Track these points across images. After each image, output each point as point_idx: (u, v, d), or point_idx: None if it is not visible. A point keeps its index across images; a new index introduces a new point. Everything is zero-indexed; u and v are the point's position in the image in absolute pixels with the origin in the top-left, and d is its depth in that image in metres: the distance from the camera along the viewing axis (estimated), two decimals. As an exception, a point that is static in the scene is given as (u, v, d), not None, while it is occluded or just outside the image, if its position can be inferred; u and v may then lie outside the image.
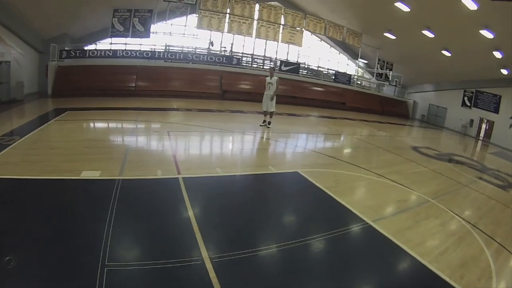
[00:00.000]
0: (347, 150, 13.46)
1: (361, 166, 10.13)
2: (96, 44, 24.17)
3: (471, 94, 26.67)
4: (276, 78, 14.38)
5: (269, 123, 14.45)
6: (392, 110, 29.48)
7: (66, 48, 20.36)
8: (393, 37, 24.70)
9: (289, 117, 19.33)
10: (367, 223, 6.11)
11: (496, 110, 24.95)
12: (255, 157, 10.77)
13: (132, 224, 5.32)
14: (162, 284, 3.97)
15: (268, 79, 14.45)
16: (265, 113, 14.64)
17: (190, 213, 5.71)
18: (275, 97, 14.24)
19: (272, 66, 16.67)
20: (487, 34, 17.59)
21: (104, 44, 24.07)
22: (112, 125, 13.38)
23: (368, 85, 32.89)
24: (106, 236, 4.67)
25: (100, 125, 13.23)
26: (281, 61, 27.27)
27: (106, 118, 14.18)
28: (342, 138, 16.19)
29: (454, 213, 7.52)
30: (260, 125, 14.44)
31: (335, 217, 6.47)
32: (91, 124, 12.98)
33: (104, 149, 9.42)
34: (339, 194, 7.37)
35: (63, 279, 3.81)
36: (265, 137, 13.02)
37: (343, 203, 6.93)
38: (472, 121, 26.87)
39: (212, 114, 17.70)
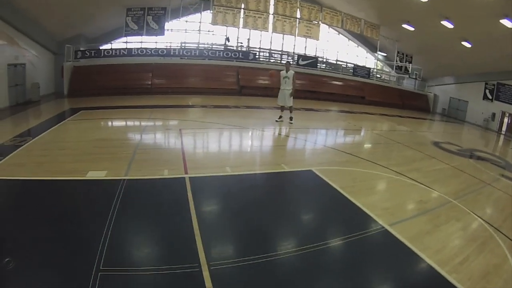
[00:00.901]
0: (365, 146, 13.14)
1: (379, 163, 9.79)
2: (111, 43, 24.35)
3: (493, 87, 25.75)
4: (293, 72, 14.36)
5: (291, 118, 14.35)
6: (412, 104, 28.82)
7: (81, 49, 20.63)
8: (412, 29, 24.17)
9: (307, 112, 19.10)
10: (383, 227, 5.75)
11: (519, 104, 24.15)
12: (268, 154, 10.61)
13: (132, 227, 5.22)
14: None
15: (283, 73, 14.30)
16: (282, 108, 14.57)
17: (193, 216, 5.56)
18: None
19: (288, 60, 15.43)
20: (507, 23, 17.03)
21: (119, 43, 24.36)
22: (124, 123, 13.38)
23: (388, 78, 32.39)
24: (104, 239, 4.62)
25: (112, 123, 13.24)
26: (299, 56, 26.89)
27: (119, 117, 14.15)
28: (361, 134, 15.84)
29: (477, 215, 7.07)
30: (276, 121, 14.25)
31: (348, 221, 6.15)
32: (104, 123, 13.02)
33: (113, 149, 9.38)
34: (355, 195, 7.06)
35: (55, 284, 3.78)
36: (280, 133, 12.82)
37: (358, 204, 6.62)
38: (494, 114, 25.96)
39: (228, 110, 17.62)
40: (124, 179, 6.91)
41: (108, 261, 4.18)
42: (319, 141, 12.80)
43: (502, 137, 23.86)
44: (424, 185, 8.44)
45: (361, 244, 5.28)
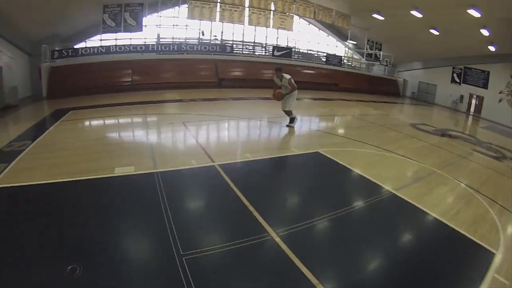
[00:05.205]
0: (353, 130, 13.87)
1: (370, 143, 10.94)
2: (85, 42, 24.16)
3: (460, 71, 27.43)
4: (288, 77, 12.15)
5: (291, 120, 12.63)
6: (383, 89, 30.05)
7: (57, 48, 20.18)
8: (382, 18, 25.06)
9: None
10: (392, 192, 7.07)
11: (485, 86, 25.76)
12: (274, 140, 11.36)
13: (189, 212, 5.71)
14: (242, 262, 4.41)
15: (277, 81, 12.33)
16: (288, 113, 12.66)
17: (240, 195, 6.16)
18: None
19: (279, 67, 12.70)
20: (474, 13, 18.07)
21: (93, 41, 23.96)
22: (122, 120, 13.25)
23: (359, 66, 33.42)
24: (170, 228, 4.90)
25: (109, 121, 13.01)
26: (274, 47, 27.73)
27: (113, 114, 13.99)
28: (345, 119, 16.85)
29: (459, 181, 8.53)
30: (287, 126, 12.49)
31: (364, 188, 7.38)
32: (101, 122, 12.88)
33: (125, 145, 9.52)
34: (361, 169, 8.26)
35: (148, 278, 3.97)
36: (277, 122, 13.28)
37: (367, 176, 7.84)
38: (462, 97, 27.70)
39: (217, 102, 17.97)
40: (157, 172, 7.07)
41: (185, 246, 4.48)
42: (313, 127, 13.62)
43: (470, 117, 25.67)
44: (412, 159, 9.78)
45: (380, 205, 6.58)
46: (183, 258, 4.25)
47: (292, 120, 12.49)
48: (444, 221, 5.99)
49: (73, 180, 6.56)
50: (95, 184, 6.49)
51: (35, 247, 4.37)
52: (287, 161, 8.95)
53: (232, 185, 6.64)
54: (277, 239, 4.86)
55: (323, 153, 9.27)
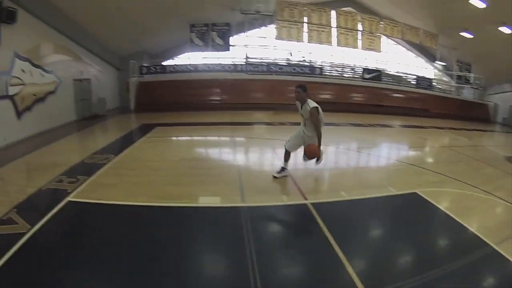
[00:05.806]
0: (448, 164, 12.76)
1: (468, 182, 10.03)
2: (173, 59, 25.23)
3: (552, 94, 25.13)
4: (310, 107, 8.42)
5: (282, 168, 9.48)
6: (473, 114, 28.38)
7: (145, 64, 21.51)
8: (470, 36, 24.12)
9: (379, 128, 19.42)
10: (492, 246, 6.21)
11: None
12: (367, 174, 10.74)
13: (277, 261, 5.16)
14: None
15: (298, 104, 8.89)
16: (287, 156, 9.43)
17: (334, 245, 5.56)
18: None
19: (302, 84, 9.05)
20: None
21: (181, 59, 25.11)
22: (209, 142, 13.38)
23: (448, 89, 31.87)
24: (254, 277, 4.50)
25: (196, 142, 13.18)
26: (364, 69, 27.31)
27: (201, 135, 14.17)
28: (438, 150, 16.03)
29: None
30: (275, 176, 9.26)
31: (466, 241, 6.62)
32: (187, 141, 13.09)
33: (211, 171, 9.38)
34: (461, 216, 7.37)
35: None
36: (368, 152, 12.88)
37: (467, 226, 7.00)
38: (553, 124, 25.21)
39: None
40: (245, 207, 6.86)
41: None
42: (404, 160, 12.84)
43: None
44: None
45: (482, 264, 5.81)
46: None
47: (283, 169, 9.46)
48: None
49: (152, 206, 6.58)
50: (175, 213, 6.48)
51: (99, 278, 4.35)
52: (384, 203, 8.22)
53: (325, 230, 6.13)
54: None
55: (420, 193, 8.61)
